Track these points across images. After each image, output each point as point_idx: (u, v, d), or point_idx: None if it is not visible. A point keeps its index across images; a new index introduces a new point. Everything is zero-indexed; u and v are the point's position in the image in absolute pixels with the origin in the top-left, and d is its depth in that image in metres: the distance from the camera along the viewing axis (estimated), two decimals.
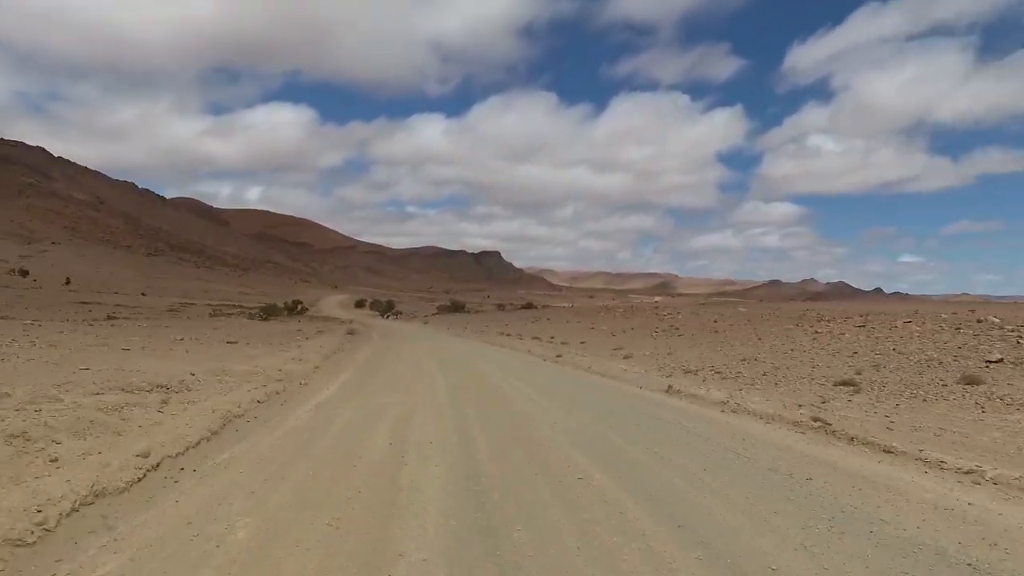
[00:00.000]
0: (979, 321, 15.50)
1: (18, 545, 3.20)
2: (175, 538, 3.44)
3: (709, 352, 15.91)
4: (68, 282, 66.01)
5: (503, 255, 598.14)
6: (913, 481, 4.60)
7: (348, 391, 9.51)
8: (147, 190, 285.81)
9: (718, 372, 12.17)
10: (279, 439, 6.00)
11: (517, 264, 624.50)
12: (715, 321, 23.03)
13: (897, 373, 10.70)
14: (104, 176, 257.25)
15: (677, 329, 22.47)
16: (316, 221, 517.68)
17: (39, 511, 3.50)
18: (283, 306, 45.48)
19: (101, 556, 3.21)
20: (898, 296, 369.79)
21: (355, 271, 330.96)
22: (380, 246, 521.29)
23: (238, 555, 3.22)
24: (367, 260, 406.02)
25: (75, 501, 3.78)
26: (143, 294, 64.38)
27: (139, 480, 4.41)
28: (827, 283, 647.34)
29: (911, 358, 12.16)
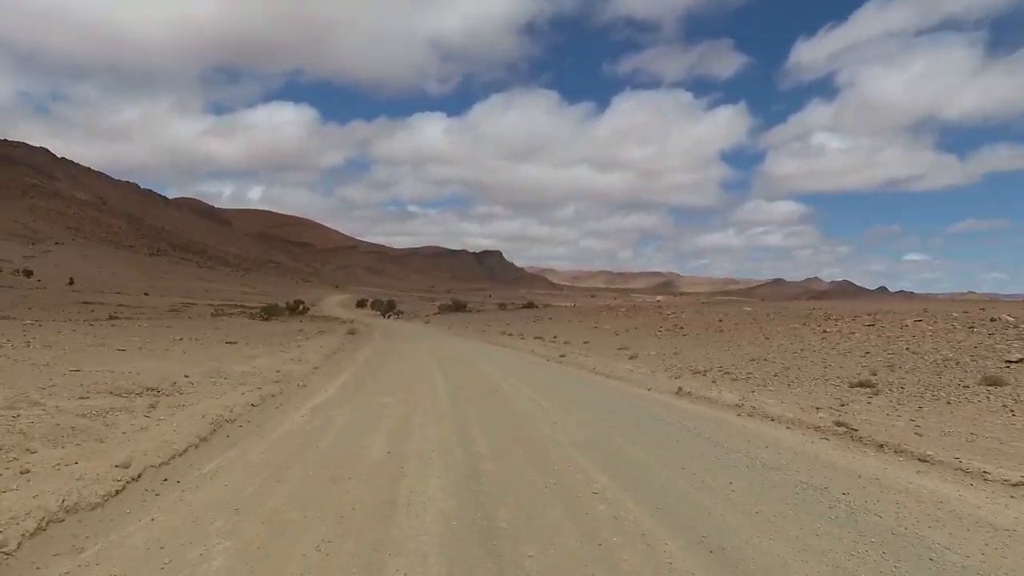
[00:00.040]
0: (992, 320, 15.17)
1: None
2: (144, 566, 3.09)
3: (716, 352, 15.57)
4: (71, 282, 65.90)
5: (504, 255, 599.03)
6: (960, 496, 4.21)
7: (347, 392, 9.20)
8: (149, 190, 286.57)
9: (727, 373, 11.84)
10: (271, 445, 5.67)
11: (518, 264, 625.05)
12: (720, 320, 22.69)
13: (914, 374, 10.35)
14: (107, 176, 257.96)
15: (681, 328, 22.13)
16: (317, 221, 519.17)
17: None
18: (285, 306, 45.22)
19: None
20: (903, 295, 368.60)
21: (356, 271, 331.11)
22: (381, 246, 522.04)
23: None
24: (368, 260, 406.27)
25: (42, 519, 3.45)
26: (146, 294, 64.23)
27: (117, 493, 4.08)
28: (831, 282, 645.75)
29: (926, 358, 11.83)
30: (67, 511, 3.62)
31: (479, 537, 3.45)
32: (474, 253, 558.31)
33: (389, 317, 56.57)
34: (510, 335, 25.53)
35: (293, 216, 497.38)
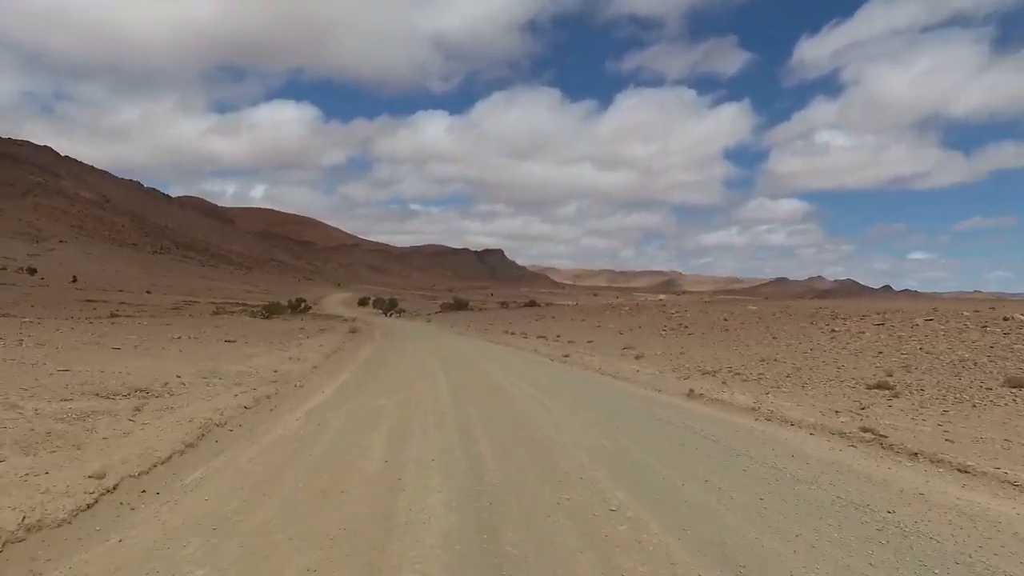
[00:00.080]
0: (1005, 319, 14.82)
1: None
2: None
3: (724, 352, 15.21)
4: (75, 280, 65.80)
5: (506, 253, 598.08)
6: (1020, 515, 3.82)
7: (346, 393, 8.87)
8: (152, 189, 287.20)
9: (737, 373, 11.50)
10: (261, 452, 5.33)
11: (520, 262, 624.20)
12: (725, 319, 22.34)
13: (931, 375, 9.98)
14: (110, 175, 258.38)
15: (686, 328, 21.77)
16: (320, 219, 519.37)
17: None
18: (286, 304, 44.97)
19: None
20: (907, 293, 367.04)
21: (358, 269, 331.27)
22: (383, 244, 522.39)
23: None
24: (370, 258, 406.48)
25: None
26: (148, 292, 64.07)
27: (88, 507, 3.74)
28: (835, 280, 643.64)
29: (942, 358, 11.48)
30: (28, 529, 3.29)
31: (486, 564, 3.09)
32: (476, 251, 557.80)
33: (391, 316, 56.29)
34: (513, 334, 25.20)
35: (295, 214, 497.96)
